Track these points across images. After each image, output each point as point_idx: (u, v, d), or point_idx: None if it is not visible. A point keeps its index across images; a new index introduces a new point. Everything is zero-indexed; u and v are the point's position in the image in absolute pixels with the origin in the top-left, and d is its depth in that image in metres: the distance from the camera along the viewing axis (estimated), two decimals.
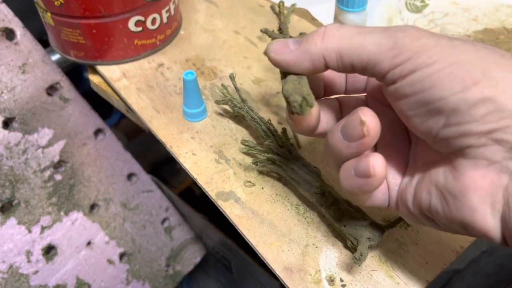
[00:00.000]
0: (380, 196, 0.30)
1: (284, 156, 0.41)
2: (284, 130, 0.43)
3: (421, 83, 0.23)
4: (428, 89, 0.23)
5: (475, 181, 0.24)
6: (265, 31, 0.34)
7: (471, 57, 0.22)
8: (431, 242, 0.37)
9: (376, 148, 0.31)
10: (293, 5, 0.39)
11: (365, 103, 0.33)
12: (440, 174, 0.26)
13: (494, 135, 0.22)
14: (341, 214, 0.36)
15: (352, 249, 0.36)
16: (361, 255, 0.33)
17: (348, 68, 0.26)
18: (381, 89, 0.30)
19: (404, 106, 0.25)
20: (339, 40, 0.26)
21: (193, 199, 0.76)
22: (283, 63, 0.28)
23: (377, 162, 0.26)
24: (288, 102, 0.27)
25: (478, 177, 0.23)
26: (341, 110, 0.33)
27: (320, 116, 0.31)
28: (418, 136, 0.27)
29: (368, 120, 0.25)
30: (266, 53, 0.29)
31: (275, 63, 0.28)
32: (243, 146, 0.44)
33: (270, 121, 0.42)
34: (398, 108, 0.26)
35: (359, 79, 0.32)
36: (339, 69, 0.27)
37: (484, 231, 0.24)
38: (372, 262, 0.36)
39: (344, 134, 0.27)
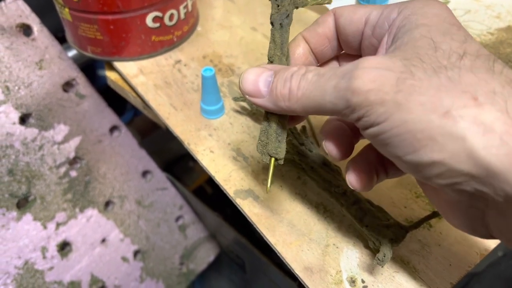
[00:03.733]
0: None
1: (303, 155, 0.40)
2: (303, 128, 0.42)
3: (377, 138, 0.24)
4: (384, 145, 0.24)
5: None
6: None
7: (415, 116, 0.21)
8: (454, 243, 0.36)
9: None
10: None
11: None
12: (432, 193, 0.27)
13: (456, 187, 0.22)
14: (363, 214, 0.35)
15: (374, 249, 0.35)
16: (384, 256, 0.32)
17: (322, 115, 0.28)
18: None
19: (376, 147, 0.26)
20: (302, 101, 0.26)
21: (205, 198, 0.76)
22: (256, 106, 0.30)
23: (352, 179, 0.30)
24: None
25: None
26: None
27: None
28: None
29: (331, 152, 0.30)
30: (240, 87, 0.29)
31: (250, 102, 0.30)
32: None
33: None
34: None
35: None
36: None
37: None
38: (394, 263, 0.35)
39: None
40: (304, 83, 0.26)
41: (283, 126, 0.30)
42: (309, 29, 0.32)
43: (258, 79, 0.28)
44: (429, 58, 0.23)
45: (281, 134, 0.29)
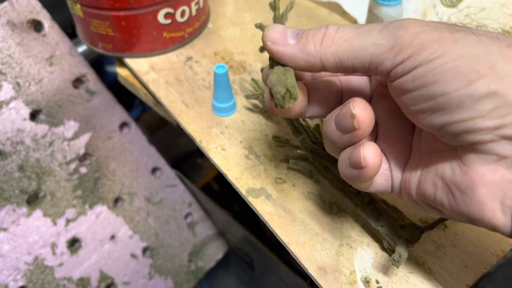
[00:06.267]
0: (382, 183, 0.29)
1: (317, 153, 0.40)
2: (317, 126, 0.41)
3: (423, 78, 0.22)
4: (430, 84, 0.22)
5: (485, 176, 0.23)
6: (259, 26, 0.33)
7: (475, 50, 0.21)
8: (470, 244, 0.36)
9: (377, 135, 0.30)
10: (292, 2, 0.38)
11: (369, 88, 0.31)
12: (447, 167, 0.25)
13: (502, 131, 0.21)
14: (377, 214, 0.35)
15: (388, 250, 0.35)
16: (399, 257, 0.32)
17: (348, 70, 0.26)
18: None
19: (407, 101, 0.24)
20: (338, 44, 0.25)
21: (212, 195, 0.76)
22: (277, 56, 0.27)
23: (368, 153, 0.25)
24: (271, 93, 0.27)
25: (488, 172, 0.23)
26: (342, 95, 0.31)
27: (312, 98, 0.30)
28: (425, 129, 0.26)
29: (359, 113, 0.24)
30: (263, 39, 0.27)
31: (270, 53, 0.27)
32: (275, 142, 0.43)
33: None
34: (402, 103, 0.25)
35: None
36: (337, 72, 0.26)
37: (492, 226, 0.23)
38: (409, 264, 0.35)
39: (337, 125, 0.26)
40: (343, 28, 0.25)
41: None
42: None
43: (286, 30, 0.27)
44: None
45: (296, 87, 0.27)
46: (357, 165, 0.25)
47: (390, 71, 0.24)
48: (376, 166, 0.25)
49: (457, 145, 0.24)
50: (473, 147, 0.23)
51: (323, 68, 0.26)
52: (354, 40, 0.24)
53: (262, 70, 0.41)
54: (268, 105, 0.29)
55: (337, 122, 0.26)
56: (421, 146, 0.28)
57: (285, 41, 0.26)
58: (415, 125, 0.29)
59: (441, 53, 0.22)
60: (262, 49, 0.40)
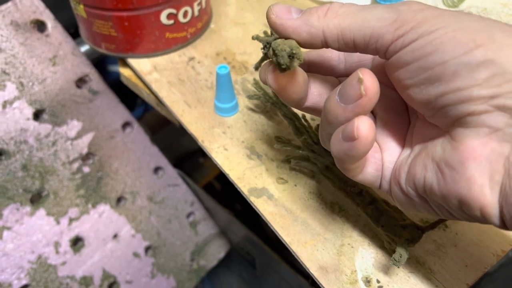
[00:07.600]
0: (372, 172, 0.29)
1: (318, 153, 0.40)
2: (318, 126, 0.42)
3: (423, 49, 0.23)
4: (429, 54, 0.23)
5: (475, 150, 0.23)
6: (256, 37, 0.33)
7: (475, 24, 0.22)
8: (470, 244, 0.36)
9: (375, 125, 0.30)
10: None
11: None
12: (437, 147, 0.25)
13: (496, 101, 0.21)
14: (379, 214, 0.35)
15: (389, 250, 0.35)
16: (400, 257, 0.32)
17: (349, 45, 0.26)
18: (383, 70, 0.29)
19: (404, 75, 0.25)
20: (342, 17, 0.25)
21: (214, 195, 0.76)
22: (280, 28, 0.27)
23: (362, 125, 0.24)
24: (275, 53, 0.26)
25: (478, 145, 0.23)
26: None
27: (312, 87, 0.30)
28: (416, 109, 0.26)
29: (367, 79, 0.24)
30: (267, 13, 0.28)
31: (273, 26, 0.27)
32: (277, 142, 0.43)
33: (305, 117, 0.41)
34: (398, 78, 0.25)
35: (361, 63, 0.32)
36: (338, 47, 0.27)
37: (480, 205, 0.23)
38: (410, 263, 0.35)
39: (341, 96, 0.25)
40: (348, 5, 0.26)
41: None
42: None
43: (291, 7, 0.28)
44: None
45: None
46: (350, 136, 0.25)
47: (389, 45, 0.24)
48: (368, 140, 0.25)
49: (449, 122, 0.24)
50: (466, 120, 0.23)
51: (324, 42, 0.26)
52: (358, 13, 0.25)
53: (256, 67, 0.39)
54: (270, 78, 0.29)
55: (342, 92, 0.26)
56: (413, 137, 0.28)
57: (290, 15, 0.27)
58: (410, 119, 0.30)
59: (441, 25, 0.22)
60: (256, 67, 0.37)
